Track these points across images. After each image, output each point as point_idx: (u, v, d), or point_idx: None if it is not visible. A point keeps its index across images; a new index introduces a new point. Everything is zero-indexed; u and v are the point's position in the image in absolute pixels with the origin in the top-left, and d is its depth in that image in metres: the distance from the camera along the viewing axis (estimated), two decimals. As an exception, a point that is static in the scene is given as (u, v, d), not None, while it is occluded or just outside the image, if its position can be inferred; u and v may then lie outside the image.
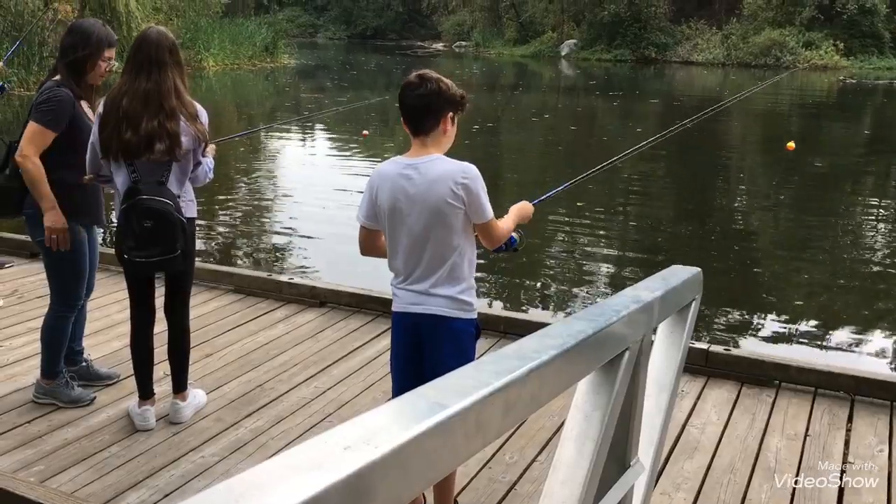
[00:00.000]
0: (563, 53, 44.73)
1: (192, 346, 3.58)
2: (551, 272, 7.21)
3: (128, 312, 3.51)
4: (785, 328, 5.88)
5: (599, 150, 15.10)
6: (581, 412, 1.50)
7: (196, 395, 3.55)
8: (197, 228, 3.53)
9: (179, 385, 3.45)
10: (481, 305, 5.84)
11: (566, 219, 9.13)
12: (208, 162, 3.31)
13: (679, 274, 2.10)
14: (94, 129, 3.15)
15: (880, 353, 5.43)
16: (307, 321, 4.57)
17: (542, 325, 3.75)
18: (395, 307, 2.65)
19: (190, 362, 3.53)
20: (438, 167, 2.50)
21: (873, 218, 9.92)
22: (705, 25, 41.08)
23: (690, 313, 2.17)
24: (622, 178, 12.23)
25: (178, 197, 3.16)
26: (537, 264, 7.45)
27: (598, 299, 6.33)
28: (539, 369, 1.10)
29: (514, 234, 2.83)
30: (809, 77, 31.94)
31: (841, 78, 30.66)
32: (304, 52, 42.16)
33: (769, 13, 37.62)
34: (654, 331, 2.05)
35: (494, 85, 30.75)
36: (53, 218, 3.29)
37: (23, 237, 5.66)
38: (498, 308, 5.72)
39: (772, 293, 6.92)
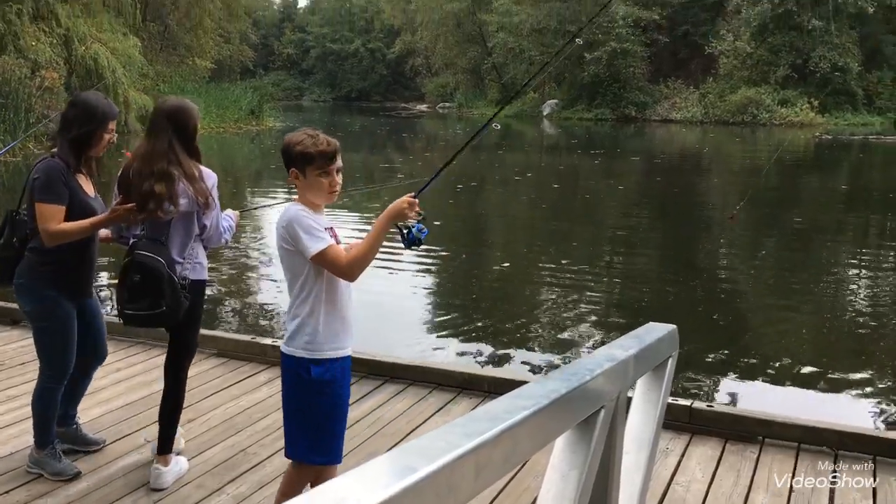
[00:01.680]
0: (544, 113, 45.53)
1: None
2: (536, 330, 7.22)
3: (108, 379, 3.62)
4: (768, 383, 5.89)
5: (583, 207, 15.28)
6: (557, 472, 1.51)
7: (178, 462, 3.50)
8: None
9: (163, 447, 3.43)
10: (466, 364, 5.83)
11: (551, 276, 9.18)
12: (224, 223, 3.45)
13: (654, 331, 2.13)
14: (115, 190, 3.32)
15: (863, 407, 5.44)
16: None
17: (527, 384, 3.73)
18: None
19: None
20: (281, 214, 2.75)
21: (854, 271, 10.03)
22: (682, 85, 42.05)
23: (667, 370, 2.20)
24: (605, 234, 12.35)
25: (184, 259, 3.30)
26: (523, 322, 7.47)
27: (583, 356, 6.34)
28: (511, 430, 1.12)
29: (412, 229, 2.80)
30: (786, 133, 32.58)
31: (817, 134, 31.31)
32: (289, 115, 42.64)
33: (744, 72, 38.58)
34: (633, 388, 2.08)
35: (478, 144, 31.12)
36: (105, 222, 3.31)
37: (3, 304, 5.64)
38: (482, 367, 5.71)
39: (755, 347, 6.95)
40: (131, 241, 3.30)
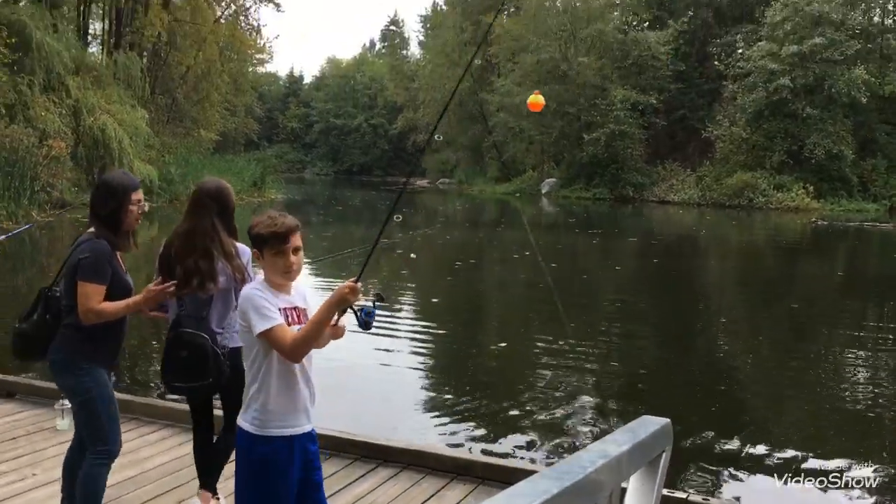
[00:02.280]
0: (543, 191, 46.09)
1: (168, 489, 3.78)
2: (532, 413, 7.17)
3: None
4: (765, 474, 5.82)
5: (580, 287, 15.34)
6: (549, 573, 1.51)
7: None
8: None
9: (207, 484, 3.71)
10: (460, 448, 5.79)
11: (548, 357, 9.17)
12: None
13: (648, 425, 2.15)
14: (155, 267, 3.52)
15: (863, 498, 5.37)
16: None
17: (520, 471, 3.74)
18: None
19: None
20: None
21: (852, 357, 10.01)
22: (680, 167, 42.70)
23: (661, 464, 2.20)
24: (603, 316, 12.38)
25: (222, 329, 3.53)
26: (518, 404, 7.43)
27: (577, 443, 6.29)
28: (503, 533, 1.14)
29: (360, 312, 2.79)
30: (782, 218, 32.95)
31: (813, 219, 31.63)
32: (291, 188, 43.15)
33: (740, 157, 39.24)
34: (626, 482, 2.09)
35: (477, 221, 31.47)
36: (141, 304, 3.40)
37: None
38: (476, 452, 5.66)
39: (753, 436, 6.89)
40: (171, 314, 3.51)
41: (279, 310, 2.69)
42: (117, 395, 5.48)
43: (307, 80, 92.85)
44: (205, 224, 3.46)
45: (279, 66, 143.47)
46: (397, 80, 73.09)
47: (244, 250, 3.56)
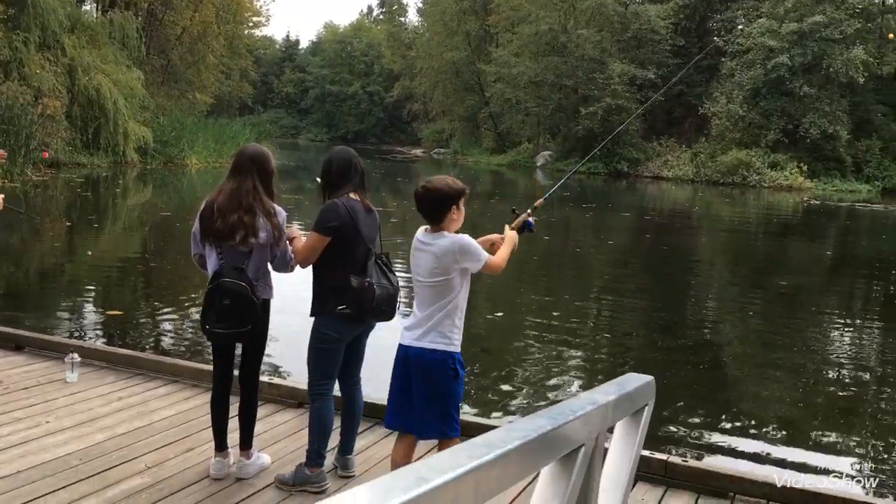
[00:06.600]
0: (538, 164, 46.20)
1: (174, 440, 3.93)
2: (524, 379, 7.39)
3: (109, 406, 4.24)
4: (745, 440, 6.06)
5: (573, 260, 15.54)
6: (541, 499, 1.70)
7: (260, 457, 3.96)
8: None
9: (245, 443, 3.89)
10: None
11: (540, 327, 9.37)
12: (288, 252, 3.84)
13: (633, 381, 2.35)
14: (196, 221, 3.78)
15: (839, 470, 5.60)
16: (285, 421, 4.66)
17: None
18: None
19: (172, 456, 3.71)
20: (447, 242, 3.60)
21: (837, 335, 10.24)
22: (675, 143, 42.79)
23: (644, 416, 2.41)
24: (594, 288, 12.59)
25: (257, 281, 3.76)
26: (511, 372, 7.64)
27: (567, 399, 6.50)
28: (504, 456, 1.32)
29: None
30: (775, 196, 33.16)
31: (805, 199, 31.83)
32: (285, 153, 43.00)
33: (736, 134, 39.29)
34: (611, 431, 2.28)
35: (471, 192, 31.51)
36: None
37: (8, 329, 5.78)
38: (471, 415, 5.86)
39: (736, 404, 7.13)
40: (211, 266, 3.73)
41: None
42: (127, 351, 5.69)
43: (303, 44, 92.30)
44: (248, 184, 3.68)
45: (275, 30, 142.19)
46: (394, 47, 72.65)
47: (280, 211, 3.78)
